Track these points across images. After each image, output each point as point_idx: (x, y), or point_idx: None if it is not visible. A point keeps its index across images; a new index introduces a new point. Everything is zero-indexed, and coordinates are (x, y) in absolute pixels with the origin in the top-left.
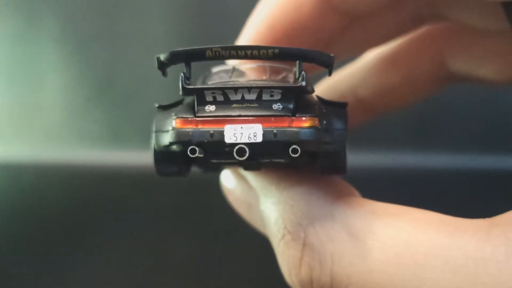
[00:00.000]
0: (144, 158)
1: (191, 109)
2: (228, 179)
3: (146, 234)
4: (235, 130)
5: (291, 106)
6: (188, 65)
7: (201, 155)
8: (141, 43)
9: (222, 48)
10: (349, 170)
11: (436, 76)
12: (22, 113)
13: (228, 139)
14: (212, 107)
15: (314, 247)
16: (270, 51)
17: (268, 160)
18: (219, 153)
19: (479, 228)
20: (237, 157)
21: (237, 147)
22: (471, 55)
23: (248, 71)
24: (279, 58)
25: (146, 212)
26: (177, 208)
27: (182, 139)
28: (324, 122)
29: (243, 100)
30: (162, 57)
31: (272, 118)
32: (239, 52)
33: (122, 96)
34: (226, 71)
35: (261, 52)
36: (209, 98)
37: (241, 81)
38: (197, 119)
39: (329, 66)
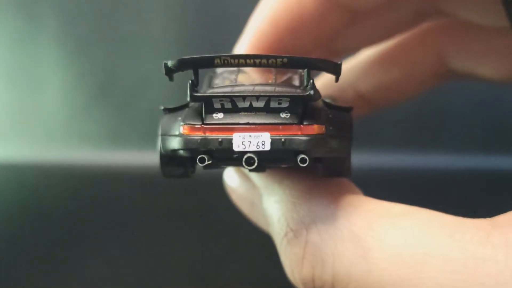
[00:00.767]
0: (144, 158)
1: (199, 115)
2: (231, 177)
3: (146, 234)
4: (243, 138)
5: (298, 113)
6: (196, 72)
7: (210, 162)
8: (141, 44)
9: (231, 56)
10: (352, 170)
11: (435, 72)
12: (22, 113)
13: (237, 147)
14: (220, 115)
15: (316, 245)
16: (278, 60)
17: (274, 166)
18: (227, 160)
19: (479, 228)
20: (246, 166)
21: (245, 156)
22: (471, 52)
23: (254, 72)
24: (287, 67)
25: (146, 212)
26: (177, 208)
27: (190, 146)
28: (331, 128)
29: (251, 108)
30: (170, 63)
31: (280, 127)
32: (247, 60)
33: (122, 96)
34: (231, 72)
35: (270, 61)
36: (217, 105)
37: (247, 85)
38: (205, 126)
39: (337, 74)
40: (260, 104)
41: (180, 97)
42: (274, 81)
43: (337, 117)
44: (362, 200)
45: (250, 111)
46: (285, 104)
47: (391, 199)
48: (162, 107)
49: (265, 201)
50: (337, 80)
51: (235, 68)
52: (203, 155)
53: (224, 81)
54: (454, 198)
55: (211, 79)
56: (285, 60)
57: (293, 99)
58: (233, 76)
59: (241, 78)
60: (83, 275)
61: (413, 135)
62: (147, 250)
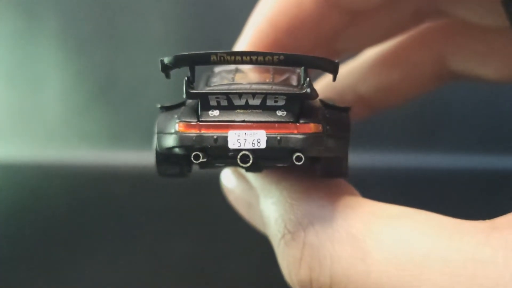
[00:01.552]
0: (144, 158)
1: (194, 113)
2: (228, 178)
3: (146, 234)
4: (238, 136)
5: (295, 112)
6: (192, 69)
7: (204, 160)
8: (141, 43)
9: (227, 53)
10: (349, 170)
11: (436, 74)
12: (22, 113)
13: (232, 144)
14: (216, 112)
15: (313, 247)
16: (275, 57)
17: (270, 165)
18: (222, 158)
19: (478, 230)
20: (240, 164)
21: (240, 154)
22: (472, 53)
23: (251, 71)
24: (284, 64)
25: (146, 212)
26: (177, 208)
27: (185, 144)
28: (328, 127)
29: (247, 105)
30: (166, 60)
31: (276, 125)
32: (244, 57)
33: (122, 96)
34: (228, 71)
35: (266, 58)
36: (213, 102)
37: (245, 84)
38: (200, 123)
39: (334, 72)
40: (256, 102)
41: (180, 96)
42: (271, 80)
43: (335, 116)
44: (360, 201)
45: (246, 109)
46: (281, 102)
47: (390, 199)
48: (158, 105)
49: (262, 202)
50: (334, 79)
51: (233, 68)
52: (197, 152)
53: (222, 80)
54: (453, 198)
55: (208, 78)
56: (281, 57)
57: (289, 97)
58: (230, 75)
59: (239, 77)
60: (83, 275)
61: (413, 135)
62: (147, 250)
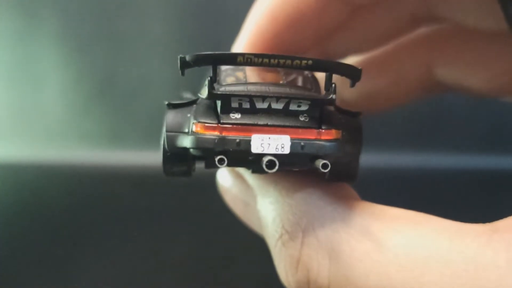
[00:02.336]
0: (144, 158)
1: (212, 114)
2: (224, 177)
3: (146, 233)
4: (262, 140)
5: (316, 117)
6: (215, 69)
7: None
8: (141, 43)
9: (255, 55)
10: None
11: (422, 83)
12: (22, 113)
13: (255, 149)
14: (237, 115)
15: (312, 247)
16: (303, 62)
17: (289, 169)
18: (242, 161)
19: (479, 233)
20: (266, 170)
21: (267, 159)
22: (459, 63)
23: (260, 71)
24: (311, 69)
25: (146, 212)
26: (177, 208)
27: (206, 146)
28: (344, 133)
29: (269, 109)
30: (188, 57)
31: (300, 130)
32: (271, 60)
33: (122, 96)
34: (236, 70)
35: (294, 62)
36: (234, 104)
37: (263, 85)
38: (221, 126)
39: (357, 79)
40: (279, 105)
41: (180, 96)
42: (284, 81)
43: (349, 122)
44: (359, 203)
45: (269, 113)
46: (304, 107)
47: (390, 199)
48: (166, 102)
49: (260, 202)
50: (353, 85)
51: (241, 66)
52: (222, 156)
53: (231, 78)
54: (453, 198)
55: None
56: (310, 62)
57: (314, 102)
58: (239, 74)
59: (250, 76)
60: (83, 275)
61: (413, 135)
62: (147, 250)
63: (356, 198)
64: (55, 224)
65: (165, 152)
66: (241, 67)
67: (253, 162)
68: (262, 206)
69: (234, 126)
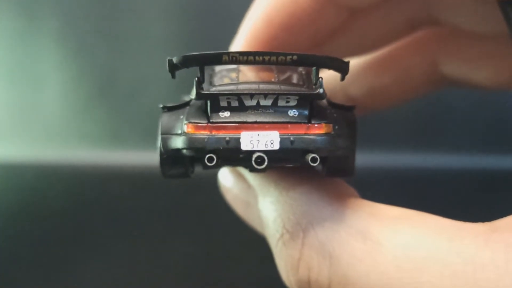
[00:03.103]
0: (144, 158)
1: (203, 114)
2: (226, 177)
3: (146, 234)
4: (251, 137)
5: (306, 112)
6: (202, 69)
7: (216, 162)
8: (141, 43)
9: (240, 53)
10: (355, 169)
11: (428, 78)
12: (22, 113)
13: (245, 146)
14: (226, 113)
15: (312, 247)
16: (288, 57)
17: (281, 165)
18: (233, 160)
19: (478, 233)
20: (255, 166)
21: (255, 156)
22: (464, 58)
23: (254, 69)
24: (297, 64)
25: (146, 212)
26: (177, 208)
27: (196, 146)
28: (337, 127)
29: (258, 106)
30: (175, 60)
31: (289, 125)
32: (256, 57)
33: (122, 96)
34: (230, 70)
35: (279, 58)
36: (223, 103)
37: (252, 84)
38: (211, 125)
39: (344, 72)
40: (268, 102)
41: (179, 96)
42: (276, 79)
43: (342, 116)
44: (359, 203)
45: (258, 109)
46: (293, 103)
47: (390, 199)
48: (161, 105)
49: (261, 202)
50: (343, 78)
51: (235, 66)
52: (211, 155)
53: (224, 79)
54: (453, 198)
55: (211, 77)
56: (294, 57)
57: (301, 97)
58: (233, 74)
59: (243, 77)
60: (83, 275)
61: (413, 135)
62: (147, 250)
63: (356, 197)
64: (55, 224)
65: (161, 154)
66: (235, 68)
67: (245, 160)
68: (263, 205)
69: (223, 124)
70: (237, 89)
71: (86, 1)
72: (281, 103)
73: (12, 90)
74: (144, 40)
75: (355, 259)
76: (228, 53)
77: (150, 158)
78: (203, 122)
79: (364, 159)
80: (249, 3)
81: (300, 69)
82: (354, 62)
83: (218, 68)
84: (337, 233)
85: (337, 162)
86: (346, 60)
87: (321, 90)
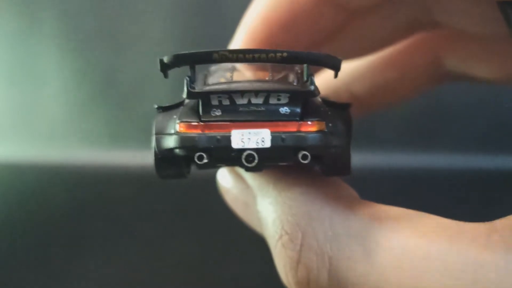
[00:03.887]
0: (144, 158)
1: (195, 113)
2: (224, 177)
3: (146, 234)
4: (242, 135)
5: (298, 110)
6: (192, 68)
7: (207, 161)
8: (141, 43)
9: (230, 51)
10: (351, 167)
11: (431, 74)
12: (22, 113)
13: (235, 144)
14: (218, 112)
15: (311, 248)
16: (278, 54)
17: (273, 164)
18: (225, 158)
19: (478, 233)
20: (245, 164)
21: (245, 154)
22: (468, 54)
23: (249, 69)
24: (287, 62)
25: (146, 212)
26: (177, 208)
27: (187, 144)
28: (330, 125)
29: (249, 104)
30: (166, 59)
31: (280, 123)
32: (246, 55)
33: (122, 96)
34: (226, 70)
35: (269, 55)
36: (214, 102)
37: (245, 82)
38: (202, 123)
39: (337, 69)
40: (259, 100)
41: (179, 96)
42: (271, 78)
43: (336, 114)
44: (359, 203)
45: (249, 107)
46: (284, 100)
47: (390, 199)
48: (155, 106)
49: (260, 203)
50: (336, 76)
51: (230, 66)
52: (201, 153)
53: (220, 78)
54: (453, 198)
55: (205, 76)
56: (284, 54)
57: (292, 94)
58: (228, 74)
59: (237, 76)
60: (83, 275)
61: (413, 135)
62: (147, 250)
63: (355, 197)
64: (55, 224)
65: (155, 155)
66: (230, 68)
67: (237, 159)
68: (261, 206)
69: (214, 123)
70: (228, 88)
71: (86, 1)
72: (273, 101)
73: (12, 90)
74: (144, 40)
75: (355, 260)
76: (218, 51)
77: (150, 158)
78: (194, 121)
79: (364, 159)
80: (248, 3)
81: (297, 67)
82: (357, 60)
83: (213, 68)
84: (337, 235)
85: (332, 160)
86: (338, 58)
87: (312, 87)
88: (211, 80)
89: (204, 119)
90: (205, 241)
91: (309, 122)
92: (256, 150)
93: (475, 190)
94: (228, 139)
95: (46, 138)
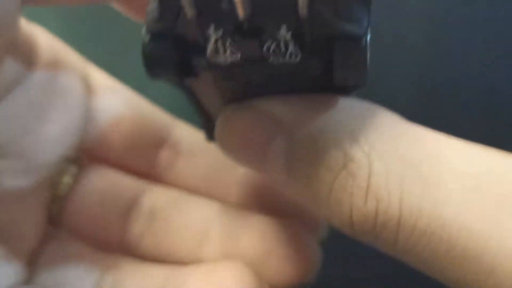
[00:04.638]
0: None
1: None
2: (236, 112)
3: None
4: None
5: None
6: None
7: (195, 12)
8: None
9: None
10: (368, 74)
11: None
12: None
13: None
14: None
15: (381, 175)
16: None
17: (274, 59)
18: (215, 11)
19: None
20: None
21: None
22: None
23: None
24: None
25: None
26: None
27: None
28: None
29: None
30: None
31: None
32: None
33: None
34: None
35: None
36: None
37: None
38: None
39: None
40: None
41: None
42: None
43: None
44: (418, 128)
45: None
46: None
47: None
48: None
49: (300, 134)
50: None
51: None
52: None
53: None
54: None
55: None
56: None
57: None
58: None
59: None
60: None
61: None
62: None
63: (408, 122)
64: None
65: (143, 46)
66: None
67: (231, 13)
68: (306, 136)
69: None
70: None
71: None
72: None
73: None
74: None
75: (430, 187)
76: None
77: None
78: None
79: None
80: None
81: None
82: None
83: None
84: (406, 160)
85: (346, 56)
86: None
87: None
88: None
89: None
90: None
91: None
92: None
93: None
94: None
95: None
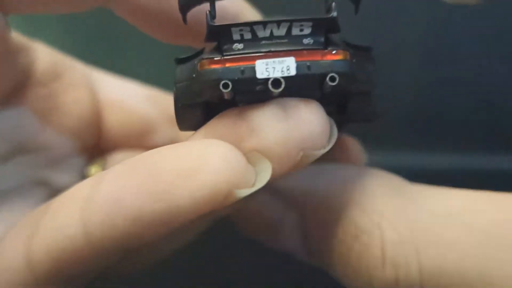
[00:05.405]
0: None
1: (216, 52)
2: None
3: None
4: (267, 64)
5: (321, 40)
6: (213, 3)
7: (232, 94)
8: (141, 43)
9: None
10: (378, 112)
11: None
12: None
13: (260, 74)
14: (240, 45)
15: (394, 242)
16: None
17: (299, 94)
18: (249, 92)
19: None
20: (272, 89)
21: (272, 79)
22: None
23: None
24: None
25: None
26: None
27: (211, 78)
28: (354, 60)
29: (272, 36)
30: None
31: (305, 51)
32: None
33: None
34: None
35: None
36: (236, 36)
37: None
38: (225, 58)
39: (358, 1)
40: (282, 32)
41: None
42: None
43: (359, 53)
44: (421, 188)
45: (271, 40)
46: (307, 31)
47: None
48: (175, 58)
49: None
50: (356, 11)
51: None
52: (226, 81)
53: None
54: None
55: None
56: None
57: (316, 23)
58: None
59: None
60: None
61: (413, 135)
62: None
63: (410, 184)
64: None
65: (176, 103)
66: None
67: (264, 92)
68: (317, 211)
69: (237, 56)
70: (247, 20)
71: None
72: (295, 32)
73: None
74: (144, 40)
75: (446, 247)
76: None
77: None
78: (216, 57)
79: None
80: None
81: None
82: None
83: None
84: (418, 223)
85: (359, 99)
86: None
87: (335, 14)
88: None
89: (227, 54)
90: (204, 240)
91: (334, 51)
92: (282, 78)
93: (475, 190)
94: (252, 69)
95: None
